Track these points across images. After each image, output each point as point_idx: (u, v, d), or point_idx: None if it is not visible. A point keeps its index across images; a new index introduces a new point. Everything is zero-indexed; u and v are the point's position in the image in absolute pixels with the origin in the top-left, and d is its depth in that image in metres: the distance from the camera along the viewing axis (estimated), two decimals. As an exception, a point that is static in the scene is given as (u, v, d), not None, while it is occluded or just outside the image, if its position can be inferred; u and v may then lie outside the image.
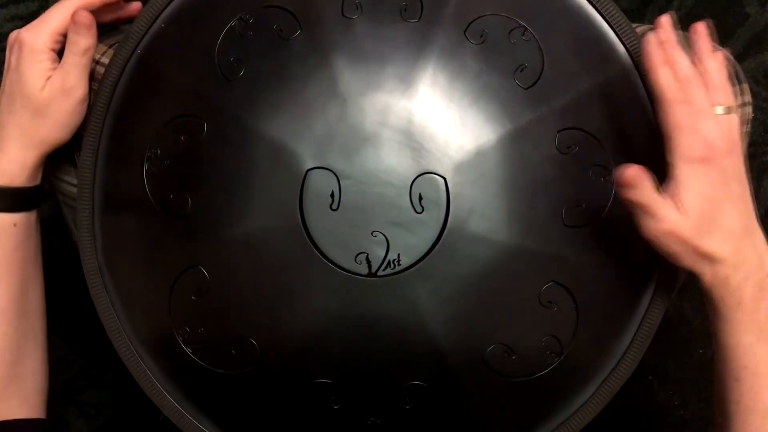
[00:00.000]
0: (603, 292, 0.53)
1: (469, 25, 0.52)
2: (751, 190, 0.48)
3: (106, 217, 0.56)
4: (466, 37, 0.52)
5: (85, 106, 0.57)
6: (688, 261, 0.47)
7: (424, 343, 0.51)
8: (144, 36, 0.56)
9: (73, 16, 0.54)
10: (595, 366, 0.54)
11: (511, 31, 0.52)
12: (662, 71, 0.47)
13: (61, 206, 0.68)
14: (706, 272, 0.47)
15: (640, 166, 0.46)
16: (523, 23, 0.52)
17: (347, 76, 0.51)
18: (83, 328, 0.62)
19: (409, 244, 0.50)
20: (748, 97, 0.61)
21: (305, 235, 0.51)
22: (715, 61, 0.48)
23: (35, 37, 0.54)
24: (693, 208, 0.46)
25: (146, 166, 0.54)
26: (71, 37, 0.54)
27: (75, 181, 0.64)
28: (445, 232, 0.50)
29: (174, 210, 0.53)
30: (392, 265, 0.51)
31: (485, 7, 0.52)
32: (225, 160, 0.52)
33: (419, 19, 0.52)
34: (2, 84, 0.55)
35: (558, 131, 0.52)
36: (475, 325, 0.52)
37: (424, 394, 0.52)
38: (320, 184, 0.51)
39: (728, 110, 0.47)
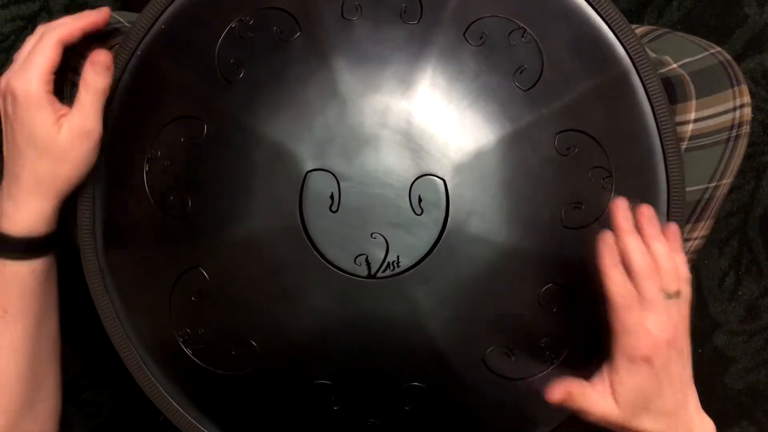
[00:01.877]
0: (602, 293, 0.53)
1: (469, 26, 0.52)
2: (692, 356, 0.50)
3: (106, 217, 0.56)
4: (465, 38, 0.52)
5: (100, 144, 0.54)
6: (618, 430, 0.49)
7: (423, 345, 0.51)
8: (144, 37, 0.56)
9: (92, 57, 0.51)
10: (595, 367, 0.54)
11: (510, 32, 0.52)
12: (613, 275, 0.47)
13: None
14: None
15: (566, 381, 0.48)
16: (522, 25, 0.52)
17: (347, 77, 0.51)
18: (84, 328, 0.62)
19: (409, 246, 0.51)
20: (747, 98, 0.61)
21: (305, 236, 0.51)
22: (663, 246, 0.48)
23: (27, 85, 0.51)
24: (626, 400, 0.47)
25: (146, 167, 0.54)
26: (89, 77, 0.52)
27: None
28: (445, 233, 0.50)
29: (174, 211, 0.53)
30: (392, 267, 0.51)
31: (485, 8, 0.52)
32: (225, 161, 0.52)
33: (419, 21, 0.52)
34: (5, 135, 0.53)
35: (557, 133, 0.52)
36: (474, 327, 0.52)
37: (423, 395, 0.52)
38: (320, 186, 0.51)
39: (676, 295, 0.48)
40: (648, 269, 0.47)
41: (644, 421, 0.47)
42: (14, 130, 0.52)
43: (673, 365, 0.48)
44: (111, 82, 0.53)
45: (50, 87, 0.52)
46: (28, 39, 0.53)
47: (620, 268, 0.47)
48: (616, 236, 0.48)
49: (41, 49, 0.51)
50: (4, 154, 0.53)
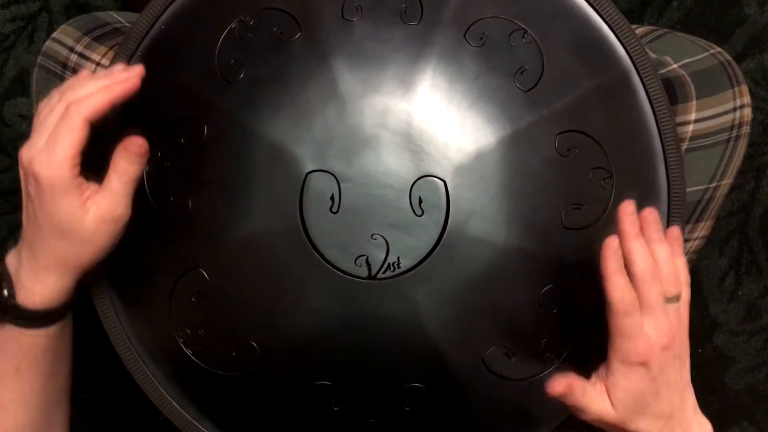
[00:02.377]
0: (603, 296, 0.53)
1: (469, 27, 0.52)
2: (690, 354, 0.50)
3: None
4: (465, 39, 0.52)
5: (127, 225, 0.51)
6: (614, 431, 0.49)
7: (423, 345, 0.51)
8: (144, 38, 0.56)
9: (127, 144, 0.48)
10: (595, 367, 0.54)
11: (511, 33, 0.52)
12: (616, 280, 0.47)
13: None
14: None
15: (568, 376, 0.48)
16: (523, 26, 0.52)
17: (347, 78, 0.51)
18: (84, 328, 0.62)
19: (409, 247, 0.51)
20: (747, 99, 0.61)
21: (305, 237, 0.51)
22: (665, 250, 0.48)
23: (54, 171, 0.47)
24: (622, 402, 0.47)
25: (147, 168, 0.54)
26: (122, 165, 0.49)
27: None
28: (445, 234, 0.50)
29: (174, 212, 0.53)
30: (392, 268, 0.51)
31: (485, 9, 0.52)
32: (225, 162, 0.52)
33: (419, 22, 0.52)
34: (26, 211, 0.50)
35: (558, 134, 0.52)
36: (474, 327, 0.52)
37: (423, 396, 0.52)
38: (320, 187, 0.51)
39: (675, 299, 0.48)
40: (650, 274, 0.47)
41: (640, 423, 0.47)
42: (36, 211, 0.49)
43: (671, 368, 0.48)
44: (144, 167, 0.50)
45: (78, 170, 0.48)
46: (48, 105, 0.49)
47: (624, 274, 0.47)
48: (620, 239, 0.48)
49: (68, 129, 0.47)
50: (24, 226, 0.51)
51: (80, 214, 0.48)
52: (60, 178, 0.47)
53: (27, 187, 0.49)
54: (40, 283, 0.50)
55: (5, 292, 0.50)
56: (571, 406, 0.48)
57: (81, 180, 0.48)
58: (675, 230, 0.50)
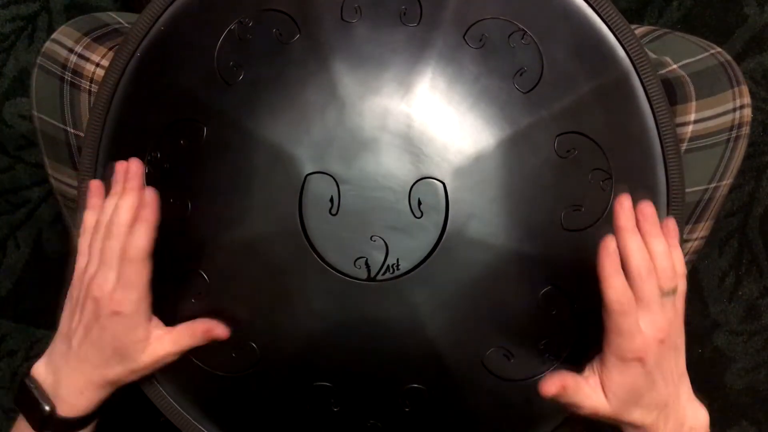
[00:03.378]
0: (600, 294, 0.53)
1: (469, 28, 0.52)
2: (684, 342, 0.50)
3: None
4: (465, 40, 0.52)
5: None
6: (610, 422, 0.49)
7: (423, 347, 0.51)
8: (143, 39, 0.56)
9: (206, 333, 0.53)
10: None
11: (510, 34, 0.52)
12: (613, 281, 0.47)
13: (61, 207, 0.69)
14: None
15: (560, 375, 0.48)
16: (522, 27, 0.52)
17: (346, 80, 0.51)
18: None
19: (409, 249, 0.51)
20: (747, 99, 0.61)
21: (305, 239, 0.51)
22: (661, 244, 0.48)
23: (131, 307, 0.51)
24: (617, 395, 0.47)
25: (146, 170, 0.54)
26: (198, 338, 0.53)
27: (75, 183, 0.64)
28: (444, 236, 0.50)
29: (174, 213, 0.53)
30: (391, 270, 0.51)
31: (485, 10, 0.52)
32: (224, 164, 0.52)
33: (418, 23, 0.52)
34: (84, 334, 0.52)
35: (557, 135, 0.52)
36: (474, 329, 0.52)
37: (423, 397, 0.52)
38: (319, 189, 0.51)
39: (672, 292, 0.48)
40: (646, 270, 0.47)
41: (635, 414, 0.48)
42: (101, 336, 0.52)
43: (666, 360, 0.48)
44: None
45: (150, 303, 0.53)
46: (95, 231, 0.53)
47: (621, 275, 0.47)
48: (616, 235, 0.48)
49: (135, 270, 0.51)
50: (75, 345, 0.53)
51: (142, 345, 0.52)
52: (137, 313, 0.52)
53: (99, 318, 0.52)
54: (84, 398, 0.53)
55: (47, 407, 0.52)
56: (565, 404, 0.48)
57: (152, 315, 0.53)
58: (671, 223, 0.50)
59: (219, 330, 0.53)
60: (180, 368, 0.55)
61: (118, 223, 0.52)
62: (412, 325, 0.51)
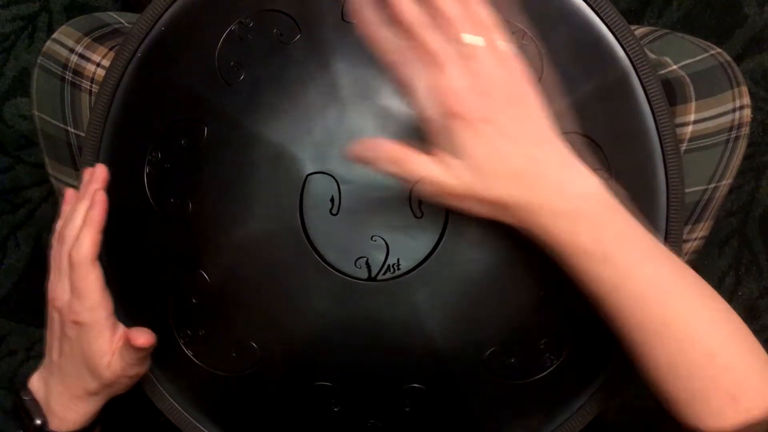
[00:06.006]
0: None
1: (469, 29, 0.52)
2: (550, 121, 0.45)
3: (106, 219, 0.56)
4: (465, 41, 0.52)
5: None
6: (486, 212, 0.45)
7: (423, 346, 0.51)
8: (144, 39, 0.56)
9: (133, 341, 0.51)
10: (594, 367, 0.54)
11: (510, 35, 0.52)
12: (374, 32, 0.43)
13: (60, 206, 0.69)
14: (514, 221, 0.45)
15: (385, 142, 0.44)
16: (522, 27, 0.52)
17: (347, 80, 0.51)
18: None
19: (409, 249, 0.51)
20: (746, 100, 0.61)
21: (305, 239, 0.51)
22: None
23: (91, 315, 0.50)
24: (458, 165, 0.43)
25: (147, 170, 0.54)
26: (130, 357, 0.52)
27: (75, 183, 0.64)
28: (445, 236, 0.50)
29: (174, 213, 0.53)
30: (392, 270, 0.51)
31: (485, 11, 0.52)
32: (225, 163, 0.52)
33: (419, 23, 0.52)
34: (58, 347, 0.53)
35: (557, 135, 0.52)
36: (474, 328, 0.52)
37: (423, 397, 0.52)
38: (320, 189, 0.51)
39: (478, 43, 0.42)
40: (418, 18, 0.43)
41: (493, 187, 0.43)
42: (73, 349, 0.52)
43: (505, 117, 0.43)
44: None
45: (111, 308, 0.52)
46: (54, 247, 0.52)
47: (383, 27, 0.43)
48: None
49: (81, 276, 0.50)
50: (54, 359, 0.53)
51: (106, 360, 0.51)
52: (97, 323, 0.51)
53: (64, 329, 0.52)
54: (72, 411, 0.53)
55: (38, 420, 0.52)
56: (401, 177, 0.44)
57: (114, 319, 0.52)
58: None
59: (140, 338, 0.51)
60: (180, 367, 0.55)
61: (70, 227, 0.51)
62: (413, 324, 0.51)
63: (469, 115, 0.42)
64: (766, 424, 0.44)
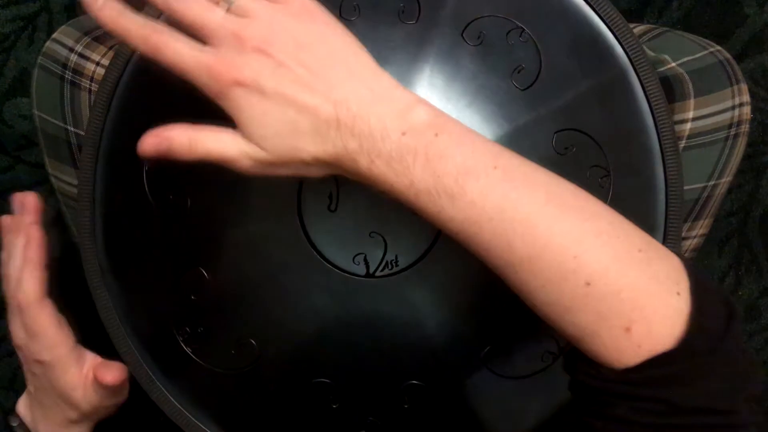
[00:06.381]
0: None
1: (467, 26, 0.52)
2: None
3: (106, 217, 0.56)
4: (463, 38, 0.52)
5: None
6: (305, 172, 0.41)
7: (422, 343, 0.51)
8: (144, 37, 0.56)
9: (100, 379, 0.50)
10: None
11: (508, 32, 0.52)
12: (123, 21, 0.40)
13: (61, 206, 0.69)
14: (347, 174, 0.40)
15: (161, 130, 0.41)
16: (520, 24, 0.52)
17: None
18: (84, 327, 0.62)
19: (407, 245, 0.51)
20: (746, 97, 0.61)
21: (304, 235, 0.51)
22: None
23: (51, 353, 0.49)
24: (261, 137, 0.39)
25: (146, 167, 0.54)
26: (110, 396, 0.52)
27: (75, 181, 0.64)
28: (443, 232, 0.50)
29: (174, 210, 0.53)
30: (390, 266, 0.51)
31: (483, 8, 0.52)
32: (224, 161, 0.52)
33: (417, 21, 0.52)
34: (32, 383, 0.52)
35: (555, 132, 0.52)
36: (472, 325, 0.52)
37: (422, 394, 0.52)
38: (319, 185, 0.51)
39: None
40: None
41: (301, 150, 0.39)
42: (44, 384, 0.51)
43: (301, 68, 0.38)
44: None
45: (72, 340, 0.50)
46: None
47: (128, 14, 0.40)
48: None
49: (33, 318, 0.49)
50: (33, 391, 0.53)
51: (79, 393, 0.51)
52: (60, 357, 0.49)
53: (30, 367, 0.51)
54: None
55: None
56: (204, 159, 0.41)
57: (80, 350, 0.51)
58: None
59: (106, 375, 0.50)
60: (179, 365, 0.55)
61: (11, 266, 0.49)
62: (411, 321, 0.51)
63: (247, 78, 0.38)
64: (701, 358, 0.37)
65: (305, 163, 0.40)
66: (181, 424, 0.57)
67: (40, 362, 0.49)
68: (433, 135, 0.38)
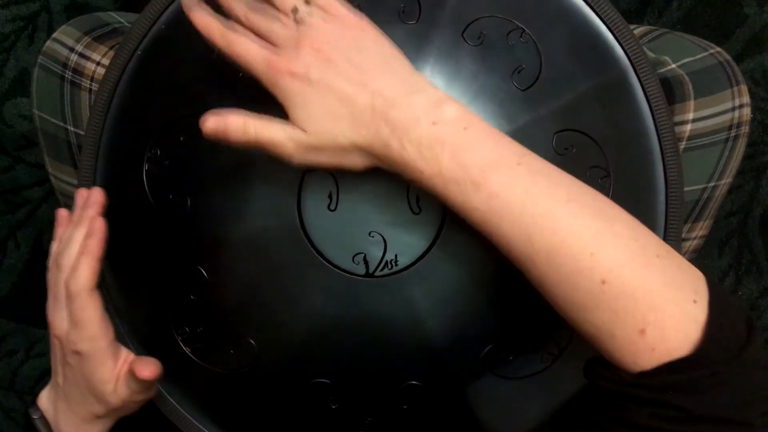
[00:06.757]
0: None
1: (467, 26, 0.52)
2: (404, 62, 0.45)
3: (105, 217, 0.56)
4: (463, 38, 0.52)
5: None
6: (343, 160, 0.45)
7: (421, 343, 0.51)
8: (144, 37, 0.56)
9: (138, 373, 0.50)
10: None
11: (509, 32, 0.52)
12: (205, 20, 0.45)
13: (61, 206, 0.69)
14: (380, 163, 0.45)
15: (222, 112, 0.45)
16: (521, 25, 0.52)
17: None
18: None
19: (407, 245, 0.51)
20: (746, 98, 0.61)
21: (303, 235, 0.51)
22: None
23: (91, 344, 0.50)
24: (304, 120, 0.43)
25: (146, 167, 0.54)
26: (141, 391, 0.53)
27: (75, 181, 0.64)
28: (443, 232, 0.50)
29: (173, 210, 0.53)
30: (389, 266, 0.51)
31: (483, 8, 0.52)
32: (224, 160, 0.52)
33: (417, 21, 0.52)
34: (62, 373, 0.53)
35: (555, 133, 0.52)
36: (472, 325, 0.52)
37: (421, 394, 0.52)
38: (318, 185, 0.51)
39: (301, 11, 0.44)
40: (243, 9, 0.45)
41: (343, 137, 0.43)
42: (75, 375, 0.52)
43: (345, 63, 0.43)
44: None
45: (112, 335, 0.51)
46: (52, 273, 0.52)
47: (204, 8, 0.46)
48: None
49: (80, 307, 0.49)
50: (60, 383, 0.53)
51: (110, 387, 0.51)
52: (99, 349, 0.50)
53: (65, 357, 0.52)
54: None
55: None
56: (254, 145, 0.45)
57: (117, 345, 0.52)
58: None
59: (144, 371, 0.51)
60: (178, 365, 0.55)
61: (67, 255, 0.51)
62: (411, 321, 0.51)
63: (299, 70, 0.43)
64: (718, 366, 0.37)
65: (343, 149, 0.44)
66: (180, 424, 0.57)
67: (77, 353, 0.50)
68: (462, 128, 0.42)
